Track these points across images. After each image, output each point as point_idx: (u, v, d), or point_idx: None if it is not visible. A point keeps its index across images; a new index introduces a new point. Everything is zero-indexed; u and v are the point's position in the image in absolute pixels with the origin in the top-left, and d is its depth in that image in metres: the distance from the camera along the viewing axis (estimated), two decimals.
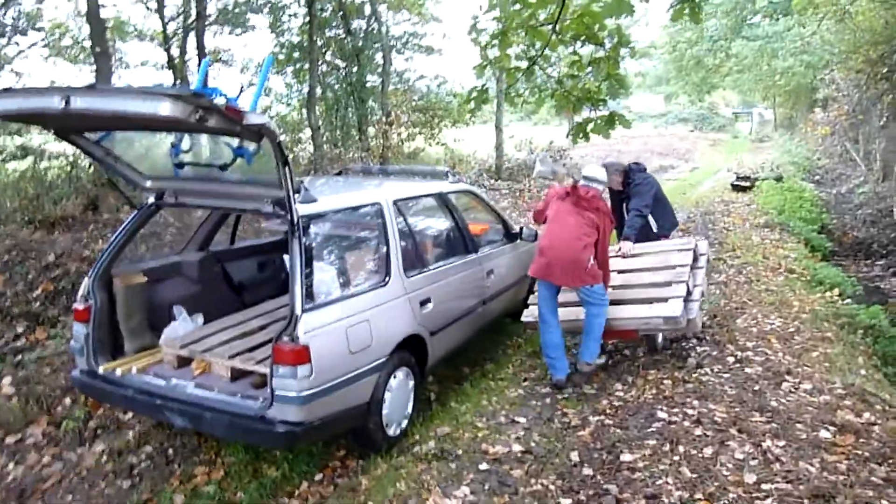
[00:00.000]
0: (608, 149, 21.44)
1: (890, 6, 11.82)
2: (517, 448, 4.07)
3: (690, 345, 5.63)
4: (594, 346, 5.07)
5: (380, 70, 16.04)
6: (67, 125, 3.67)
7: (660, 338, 5.57)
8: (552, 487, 3.64)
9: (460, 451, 4.04)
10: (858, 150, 18.49)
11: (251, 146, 3.60)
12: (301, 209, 3.68)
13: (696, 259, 5.53)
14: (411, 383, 4.38)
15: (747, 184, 16.30)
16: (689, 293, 5.15)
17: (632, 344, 5.78)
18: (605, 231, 5.01)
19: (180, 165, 4.03)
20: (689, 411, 4.34)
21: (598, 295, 4.95)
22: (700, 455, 3.80)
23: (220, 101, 2.88)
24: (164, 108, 2.72)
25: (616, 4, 4.13)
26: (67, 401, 4.73)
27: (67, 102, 2.90)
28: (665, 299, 5.08)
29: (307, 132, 13.95)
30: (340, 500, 3.73)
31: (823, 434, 3.94)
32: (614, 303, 5.24)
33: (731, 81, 32.18)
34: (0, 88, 3.16)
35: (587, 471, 3.78)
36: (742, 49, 24.89)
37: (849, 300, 7.74)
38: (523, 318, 5.61)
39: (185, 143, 4.01)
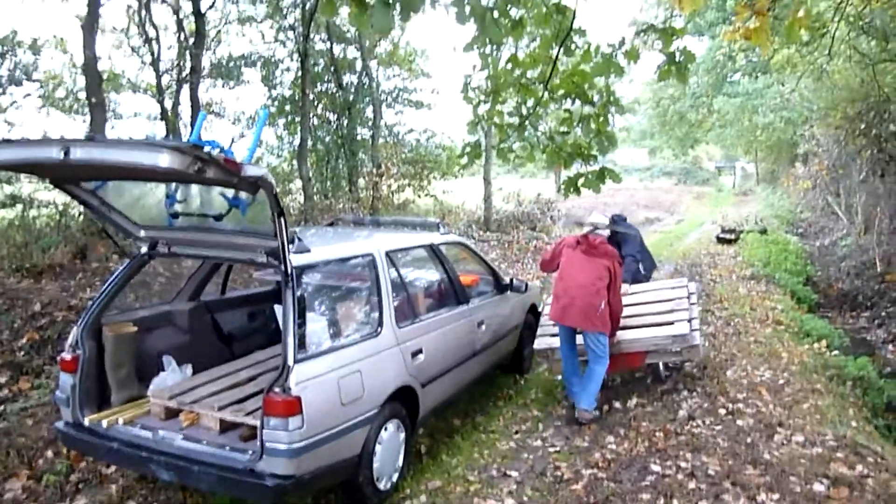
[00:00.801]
0: (595, 202, 21.72)
1: (865, 66, 12.23)
2: (510, 502, 4.01)
3: (682, 396, 5.62)
4: (593, 392, 5.30)
5: (370, 123, 16.31)
6: (64, 175, 3.70)
7: (661, 367, 5.91)
8: None
9: None
10: (840, 203, 18.84)
11: (246, 197, 3.64)
12: (295, 259, 3.70)
13: (688, 297, 6.04)
14: (402, 436, 4.32)
15: (732, 236, 16.53)
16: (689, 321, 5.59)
17: (624, 393, 5.77)
18: (616, 273, 5.34)
19: (175, 215, 4.05)
20: (683, 464, 4.31)
21: (602, 346, 5.28)
22: None
23: (217, 153, 2.92)
24: (164, 160, 2.75)
25: (605, 65, 4.28)
26: (49, 453, 4.62)
27: (67, 153, 2.93)
28: (671, 322, 5.57)
29: (297, 183, 14.08)
30: None
31: (818, 487, 3.92)
32: (622, 329, 5.64)
33: (714, 136, 32.93)
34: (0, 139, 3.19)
35: None
36: (724, 105, 25.55)
37: (836, 352, 7.78)
38: (535, 346, 5.97)
39: (180, 193, 4.05)
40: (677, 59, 4.23)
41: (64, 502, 4.20)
